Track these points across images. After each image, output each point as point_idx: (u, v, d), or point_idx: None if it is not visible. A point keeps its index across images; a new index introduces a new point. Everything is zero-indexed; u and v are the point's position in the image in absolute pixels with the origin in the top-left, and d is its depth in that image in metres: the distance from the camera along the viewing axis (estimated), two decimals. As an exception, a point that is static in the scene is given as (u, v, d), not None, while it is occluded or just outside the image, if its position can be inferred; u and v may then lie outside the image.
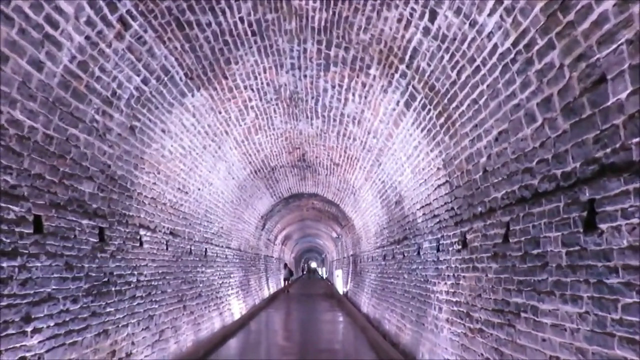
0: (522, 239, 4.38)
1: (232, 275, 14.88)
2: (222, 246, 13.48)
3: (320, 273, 74.96)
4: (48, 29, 4.13)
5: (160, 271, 8.07)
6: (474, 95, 5.02)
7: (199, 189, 10.11)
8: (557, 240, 3.74)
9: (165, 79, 6.44)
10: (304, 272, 75.10)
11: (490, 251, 5.18)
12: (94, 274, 5.61)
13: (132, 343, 6.57)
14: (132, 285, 6.78)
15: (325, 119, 9.84)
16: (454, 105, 5.66)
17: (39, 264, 4.50)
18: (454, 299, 6.43)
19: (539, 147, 3.97)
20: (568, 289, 3.56)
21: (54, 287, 4.75)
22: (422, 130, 6.97)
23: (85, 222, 5.44)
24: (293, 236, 37.81)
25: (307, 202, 22.03)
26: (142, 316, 7.07)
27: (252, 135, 10.50)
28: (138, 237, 7.12)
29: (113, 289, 6.13)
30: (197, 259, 10.72)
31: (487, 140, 5.05)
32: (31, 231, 4.41)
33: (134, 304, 6.81)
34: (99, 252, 5.79)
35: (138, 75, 5.85)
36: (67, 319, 4.96)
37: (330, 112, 9.38)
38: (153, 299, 7.63)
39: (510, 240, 4.65)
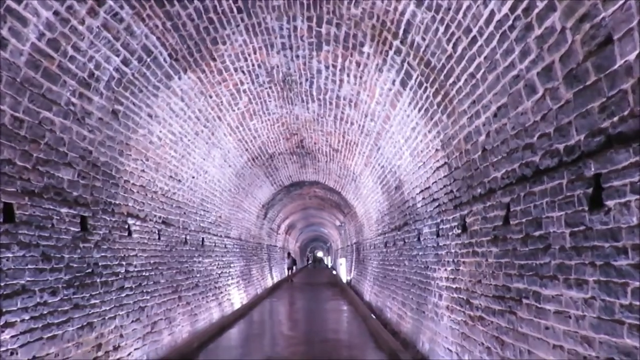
0: (523, 220, 4.09)
1: (232, 265, 14.67)
2: (220, 235, 13.25)
3: (326, 262, 74.92)
4: (10, 2, 3.84)
5: (152, 261, 7.83)
6: (471, 69, 4.70)
7: (193, 177, 9.84)
8: (560, 220, 3.45)
9: (148, 60, 6.14)
10: (310, 262, 75.09)
11: (490, 234, 4.90)
12: (75, 265, 5.37)
13: (121, 335, 6.35)
14: (120, 276, 6.54)
15: (321, 103, 9.53)
16: (450, 81, 5.35)
17: (10, 255, 4.25)
18: (454, 286, 6.16)
19: (540, 121, 3.67)
20: (572, 272, 3.27)
21: (28, 278, 4.51)
22: (419, 110, 6.66)
23: (64, 210, 5.18)
24: (297, 225, 37.60)
25: (308, 190, 21.77)
26: (131, 308, 6.84)
27: (247, 120, 10.20)
28: (126, 227, 6.87)
29: (98, 280, 5.89)
30: (194, 248, 10.49)
31: (485, 116, 4.75)
32: (1, 220, 4.16)
33: (123, 295, 6.58)
34: (81, 242, 5.54)
35: (117, 56, 5.56)
36: (45, 312, 4.72)
37: (326, 95, 9.06)
38: (144, 290, 7.40)
39: (511, 222, 4.36)
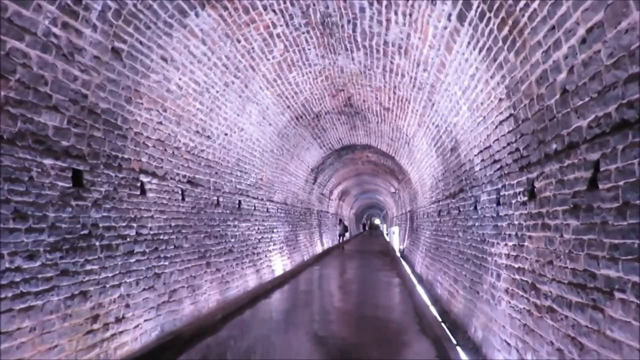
0: (621, 183, 2.91)
1: (275, 230, 13.95)
2: (261, 199, 12.49)
3: (382, 229, 74.06)
4: None
5: (172, 224, 7.11)
6: (552, -22, 3.46)
7: (226, 134, 9.01)
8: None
9: (153, -12, 5.22)
10: (365, 229, 74.44)
11: (568, 202, 3.71)
12: (65, 226, 4.64)
13: (127, 305, 5.66)
14: (128, 240, 5.82)
15: (367, 51, 8.36)
16: (521, 4, 4.10)
17: (-37, 211, 3.52)
18: (516, 265, 5.01)
19: (660, 33, 2.45)
20: None
21: (-8, 240, 3.79)
22: (480, 51, 5.42)
23: (48, 162, 4.42)
24: (351, 192, 36.67)
25: (360, 155, 20.67)
26: (143, 274, 6.14)
27: (285, 72, 9.19)
28: (138, 184, 6.12)
29: (97, 243, 5.17)
30: (228, 211, 9.76)
31: (568, 45, 3.51)
32: (-51, 169, 3.42)
33: (131, 260, 5.87)
34: (74, 200, 4.80)
35: (110, -21, 4.66)
36: (17, 280, 4.01)
37: (372, 41, 7.88)
38: (161, 255, 6.69)
39: (601, 187, 3.18)
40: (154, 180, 6.55)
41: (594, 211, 3.27)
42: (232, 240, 9.92)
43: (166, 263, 6.81)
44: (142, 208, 6.23)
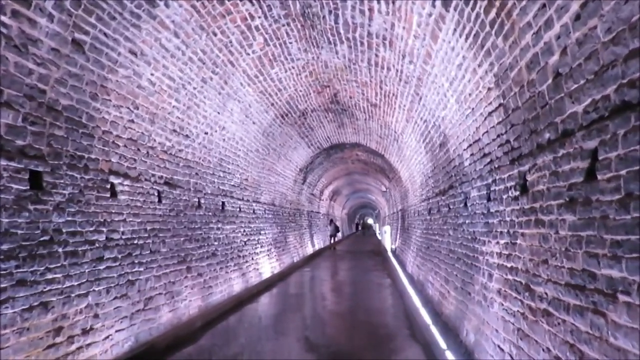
0: (623, 172, 2.60)
1: (262, 232, 13.60)
2: (247, 200, 12.13)
3: (375, 229, 73.86)
4: None
5: (148, 227, 6.75)
6: (541, -50, 3.16)
7: (207, 133, 8.65)
8: None
9: (116, -25, 4.87)
10: (358, 228, 74.17)
11: (563, 196, 3.41)
12: (21, 232, 4.28)
13: (95, 316, 5.30)
14: (97, 245, 5.46)
15: (351, 43, 8.04)
16: (509, -17, 3.81)
17: None
18: (509, 264, 4.71)
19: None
20: None
21: None
22: (466, 38, 5.11)
23: (0, 163, 4.06)
24: (342, 191, 36.34)
25: (350, 154, 20.35)
26: (115, 282, 5.78)
27: (267, 68, 8.85)
28: (108, 186, 5.76)
29: (60, 250, 4.80)
30: (211, 213, 9.40)
31: (561, 23, 3.21)
32: None
33: (101, 267, 5.51)
34: (32, 203, 4.44)
35: (66, -36, 4.31)
36: (-37, 292, 3.65)
37: (356, 33, 7.56)
38: (136, 261, 6.33)
39: (600, 177, 2.87)
40: (126, 182, 6.19)
41: (593, 205, 2.97)
42: (216, 243, 9.56)
43: (141, 269, 6.45)
44: (113, 211, 5.87)
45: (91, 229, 5.37)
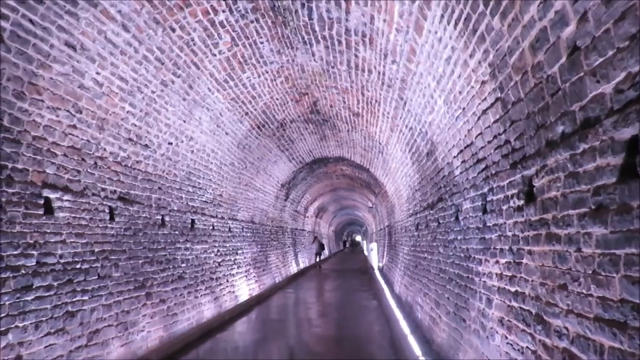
0: (686, 165, 1.84)
1: (239, 252, 12.71)
2: (221, 217, 11.27)
3: (362, 246, 73.00)
4: None
5: (96, 249, 5.88)
6: None
7: (170, 143, 7.83)
8: None
9: (39, -52, 4.09)
10: (346, 246, 73.24)
11: (587, 203, 2.64)
12: None
13: (18, 358, 4.40)
14: (22, 272, 4.59)
15: (328, 43, 7.31)
16: (508, -57, 3.09)
17: None
18: (512, 288, 3.92)
19: None
20: None
21: None
22: (455, 24, 4.39)
23: None
24: (328, 208, 35.50)
25: (334, 168, 19.59)
26: (47, 314, 4.89)
27: (237, 71, 8.08)
28: (41, 202, 4.91)
29: (-32, 279, 3.94)
30: (177, 232, 8.53)
31: (579, -19, 2.48)
32: None
33: (28, 298, 4.63)
34: None
35: None
36: None
37: (332, 30, 6.84)
38: (78, 289, 5.45)
39: (645, 176, 2.11)
40: (67, 197, 5.34)
41: (633, 212, 2.21)
42: (183, 265, 8.68)
43: (85, 297, 5.57)
44: (48, 231, 5.01)
45: (15, 252, 4.50)
